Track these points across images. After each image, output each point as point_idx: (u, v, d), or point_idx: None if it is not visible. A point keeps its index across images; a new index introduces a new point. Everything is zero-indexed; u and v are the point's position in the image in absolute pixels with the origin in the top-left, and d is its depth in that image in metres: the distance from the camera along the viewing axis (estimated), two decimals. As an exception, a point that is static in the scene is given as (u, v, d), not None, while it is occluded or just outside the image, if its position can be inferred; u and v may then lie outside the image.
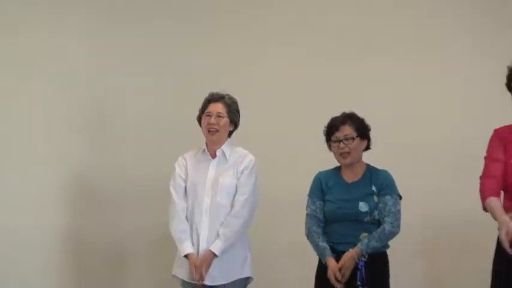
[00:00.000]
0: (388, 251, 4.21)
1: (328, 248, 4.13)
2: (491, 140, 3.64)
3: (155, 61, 5.73)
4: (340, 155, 4.22)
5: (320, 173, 4.35)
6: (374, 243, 4.08)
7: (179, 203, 4.37)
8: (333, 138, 4.25)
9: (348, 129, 4.22)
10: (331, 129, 4.27)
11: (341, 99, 5.01)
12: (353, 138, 4.20)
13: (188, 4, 5.81)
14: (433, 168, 5.29)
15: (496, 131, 3.64)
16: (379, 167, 4.30)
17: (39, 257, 5.59)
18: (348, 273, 4.03)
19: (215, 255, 4.22)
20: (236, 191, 4.33)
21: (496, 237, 3.47)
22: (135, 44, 5.74)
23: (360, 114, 4.30)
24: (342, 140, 4.20)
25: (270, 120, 5.47)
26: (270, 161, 5.08)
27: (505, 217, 3.35)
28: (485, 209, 3.56)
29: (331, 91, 5.44)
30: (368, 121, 4.32)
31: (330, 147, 4.29)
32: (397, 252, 4.30)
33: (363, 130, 4.27)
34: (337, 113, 4.31)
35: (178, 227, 4.32)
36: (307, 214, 4.30)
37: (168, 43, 5.76)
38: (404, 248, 4.85)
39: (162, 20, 5.78)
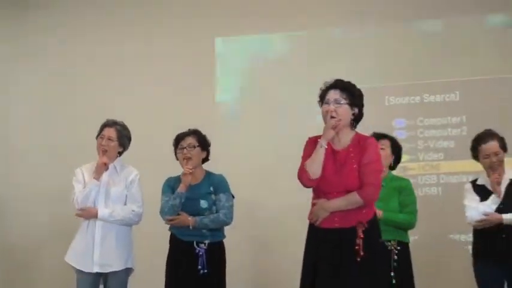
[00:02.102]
0: (225, 240, 5.45)
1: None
2: (306, 146, 4.54)
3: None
4: (183, 160, 5.40)
5: (170, 178, 5.50)
6: (206, 221, 5.26)
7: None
8: (179, 146, 5.44)
9: (191, 139, 5.43)
10: (178, 140, 5.48)
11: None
12: (194, 147, 5.42)
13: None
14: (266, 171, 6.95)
15: (310, 138, 4.57)
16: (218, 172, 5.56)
17: None
18: (179, 224, 5.30)
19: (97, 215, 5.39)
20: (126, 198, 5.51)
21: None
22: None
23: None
24: (185, 147, 5.41)
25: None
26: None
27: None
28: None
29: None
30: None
31: (176, 154, 5.50)
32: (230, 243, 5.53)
33: (204, 142, 5.49)
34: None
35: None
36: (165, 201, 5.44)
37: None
38: (238, 240, 6.21)
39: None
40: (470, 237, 6.18)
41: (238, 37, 7.41)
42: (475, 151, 5.50)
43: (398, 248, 5.31)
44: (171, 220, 5.29)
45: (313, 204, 4.44)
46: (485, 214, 5.29)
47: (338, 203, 4.37)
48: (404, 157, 6.35)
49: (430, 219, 6.49)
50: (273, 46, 7.36)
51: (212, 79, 7.39)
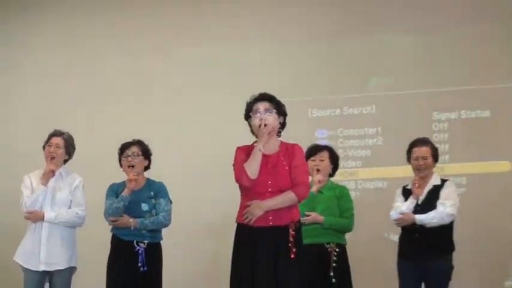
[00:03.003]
0: (162, 242, 5.80)
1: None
2: (237, 154, 4.84)
3: None
4: (127, 168, 5.76)
5: (113, 184, 5.85)
6: (147, 222, 5.65)
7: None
8: (124, 154, 5.82)
9: (136, 148, 5.82)
10: (123, 149, 5.87)
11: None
12: (138, 155, 5.79)
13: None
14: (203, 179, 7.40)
15: (239, 148, 4.87)
16: (158, 179, 5.90)
17: None
18: (122, 225, 5.63)
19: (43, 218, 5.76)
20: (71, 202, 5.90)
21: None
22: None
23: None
24: (130, 155, 5.79)
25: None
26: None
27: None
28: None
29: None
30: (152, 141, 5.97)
31: (120, 162, 5.86)
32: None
33: (146, 152, 5.87)
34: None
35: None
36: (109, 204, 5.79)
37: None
38: (177, 241, 6.82)
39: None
40: (385, 237, 6.85)
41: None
42: (409, 153, 5.87)
43: (337, 249, 5.55)
44: (114, 221, 5.62)
45: (246, 206, 4.68)
46: (401, 213, 5.68)
47: (274, 201, 4.66)
48: None
49: None
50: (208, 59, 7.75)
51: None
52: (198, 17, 7.83)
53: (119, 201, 5.63)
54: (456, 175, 6.83)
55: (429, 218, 5.60)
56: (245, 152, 4.79)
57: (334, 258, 5.53)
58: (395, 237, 6.25)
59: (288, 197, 4.70)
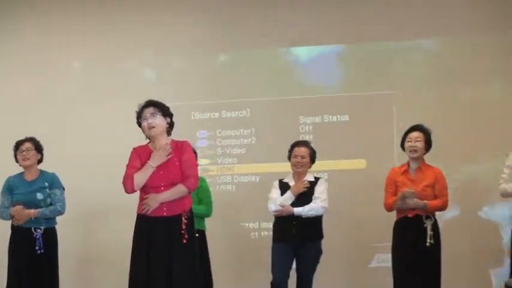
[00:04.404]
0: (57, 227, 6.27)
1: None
2: (131, 155, 5.12)
3: None
4: (22, 161, 6.25)
5: (9, 177, 6.33)
6: (47, 212, 6.16)
7: None
8: (19, 150, 6.28)
9: (29, 144, 6.26)
10: (18, 145, 6.29)
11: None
12: (32, 150, 6.26)
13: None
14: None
15: (134, 149, 5.14)
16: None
17: None
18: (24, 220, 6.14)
19: None
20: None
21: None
22: None
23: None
24: (24, 151, 6.24)
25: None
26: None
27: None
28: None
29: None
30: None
31: (16, 157, 6.29)
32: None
33: (39, 147, 6.31)
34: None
35: None
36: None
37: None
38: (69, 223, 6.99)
39: None
40: (257, 224, 7.35)
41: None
42: (290, 152, 6.24)
43: (197, 235, 5.48)
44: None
45: (144, 199, 4.98)
46: (281, 205, 6.09)
47: (168, 194, 4.97)
48: (205, 161, 7.44)
49: (226, 210, 7.42)
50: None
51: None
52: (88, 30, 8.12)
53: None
54: (319, 171, 7.18)
55: (306, 211, 6.06)
56: (138, 154, 5.09)
57: None
58: (269, 225, 6.83)
59: (179, 190, 5.00)
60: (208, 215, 6.49)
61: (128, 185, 5.02)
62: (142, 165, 5.04)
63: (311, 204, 6.16)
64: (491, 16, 7.39)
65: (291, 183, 6.30)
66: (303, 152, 6.27)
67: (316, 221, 6.20)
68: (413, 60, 7.59)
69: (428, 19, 7.51)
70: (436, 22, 7.48)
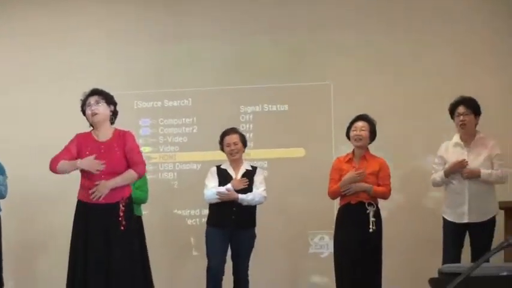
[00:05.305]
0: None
1: None
2: (71, 142, 5.30)
3: None
4: None
5: None
6: None
7: None
8: None
9: None
10: None
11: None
12: None
13: None
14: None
15: (78, 135, 5.32)
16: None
17: None
18: None
19: None
20: None
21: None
22: None
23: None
24: None
25: None
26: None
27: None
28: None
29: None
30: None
31: None
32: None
33: None
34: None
35: None
36: None
37: None
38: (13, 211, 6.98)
39: None
40: (198, 211, 7.48)
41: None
42: (221, 141, 6.32)
43: None
44: None
45: (85, 185, 5.16)
46: (228, 190, 6.14)
47: (119, 179, 5.17)
48: (147, 149, 7.57)
49: (167, 197, 7.66)
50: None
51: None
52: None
53: None
54: (259, 159, 7.44)
55: (249, 199, 6.20)
56: (78, 141, 5.25)
57: None
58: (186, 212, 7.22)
59: (130, 175, 5.22)
60: (144, 200, 6.60)
61: (52, 166, 5.21)
62: (79, 152, 5.21)
63: (254, 193, 6.29)
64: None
65: (229, 170, 6.39)
66: (234, 139, 6.36)
67: (252, 209, 6.34)
68: (349, 50, 7.66)
69: (361, 9, 7.68)
70: (369, 12, 7.66)
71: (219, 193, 6.21)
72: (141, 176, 5.32)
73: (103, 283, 5.04)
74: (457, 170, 6.02)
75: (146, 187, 6.63)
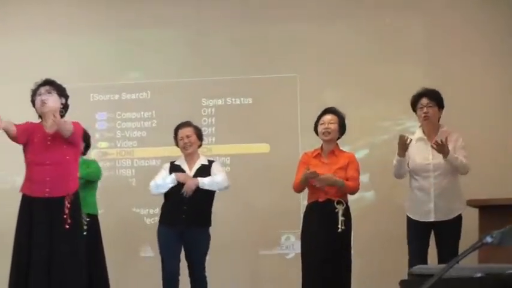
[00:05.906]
0: None
1: None
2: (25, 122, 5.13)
3: None
4: None
5: None
6: None
7: None
8: None
9: None
10: None
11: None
12: None
13: None
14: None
15: (30, 122, 5.16)
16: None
17: None
18: None
19: None
20: None
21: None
22: None
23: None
24: None
25: None
26: None
27: None
28: None
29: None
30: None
31: None
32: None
33: None
34: None
35: None
36: None
37: None
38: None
39: None
40: (157, 210, 6.84)
41: None
42: (175, 138, 6.17)
43: (88, 219, 6.06)
44: None
45: (29, 178, 5.08)
46: (182, 180, 5.95)
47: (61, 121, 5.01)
48: (104, 144, 7.36)
49: (122, 195, 7.45)
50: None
51: None
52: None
53: None
54: (221, 155, 7.31)
55: (208, 181, 5.99)
56: (28, 126, 5.16)
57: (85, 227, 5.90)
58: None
59: (67, 125, 5.05)
60: (97, 174, 6.43)
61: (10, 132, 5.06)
62: (29, 137, 5.09)
63: (213, 177, 6.09)
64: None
65: (184, 165, 6.22)
66: (187, 132, 6.19)
67: (206, 207, 6.14)
68: (317, 41, 7.53)
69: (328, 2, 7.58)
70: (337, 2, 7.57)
71: (176, 174, 6.05)
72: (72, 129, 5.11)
73: (45, 283, 4.94)
74: (403, 146, 5.75)
75: (97, 164, 6.50)
